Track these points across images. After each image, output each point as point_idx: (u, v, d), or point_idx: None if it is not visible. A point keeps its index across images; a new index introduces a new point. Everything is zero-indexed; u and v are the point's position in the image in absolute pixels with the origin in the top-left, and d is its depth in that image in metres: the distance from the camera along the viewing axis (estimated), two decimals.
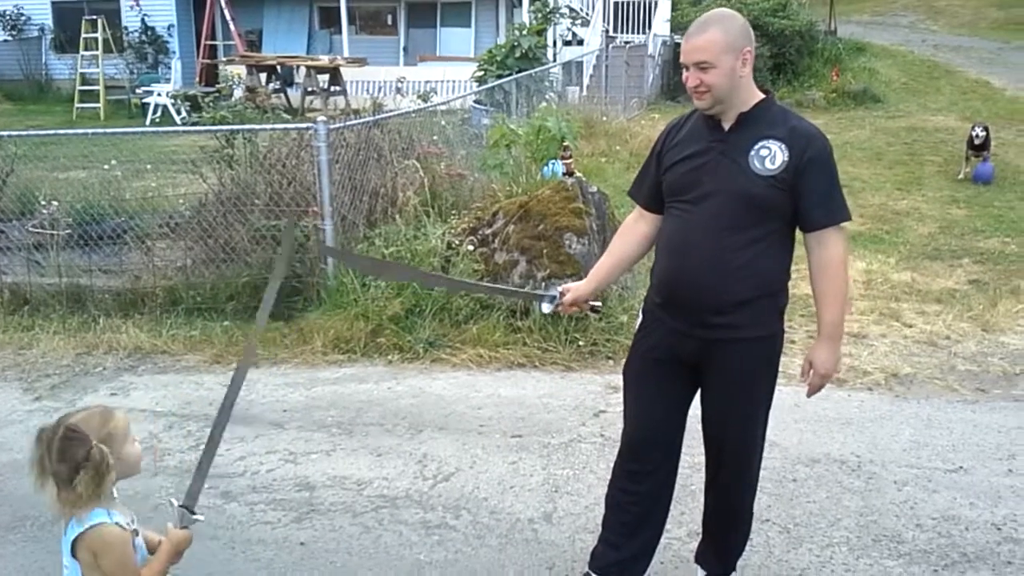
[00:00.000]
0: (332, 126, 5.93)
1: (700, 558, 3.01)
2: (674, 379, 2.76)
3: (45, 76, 18.19)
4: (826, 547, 3.25)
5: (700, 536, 3.04)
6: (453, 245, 5.71)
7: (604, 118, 11.80)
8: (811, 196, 2.54)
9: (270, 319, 5.65)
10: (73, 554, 2.00)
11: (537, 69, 11.90)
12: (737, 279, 2.55)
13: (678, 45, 19.76)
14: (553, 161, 7.08)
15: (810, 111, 14.46)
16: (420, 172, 6.46)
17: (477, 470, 3.86)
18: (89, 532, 1.97)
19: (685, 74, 2.58)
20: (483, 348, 5.16)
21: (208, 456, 2.24)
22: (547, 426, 4.27)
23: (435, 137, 7.68)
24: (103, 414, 2.05)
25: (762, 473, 3.65)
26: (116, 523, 2.01)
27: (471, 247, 5.64)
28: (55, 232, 6.42)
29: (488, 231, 5.73)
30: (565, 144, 6.63)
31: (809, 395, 2.75)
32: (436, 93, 11.16)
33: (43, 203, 6.66)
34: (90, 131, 8.55)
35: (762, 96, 2.61)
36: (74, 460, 1.94)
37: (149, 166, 7.52)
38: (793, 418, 4.26)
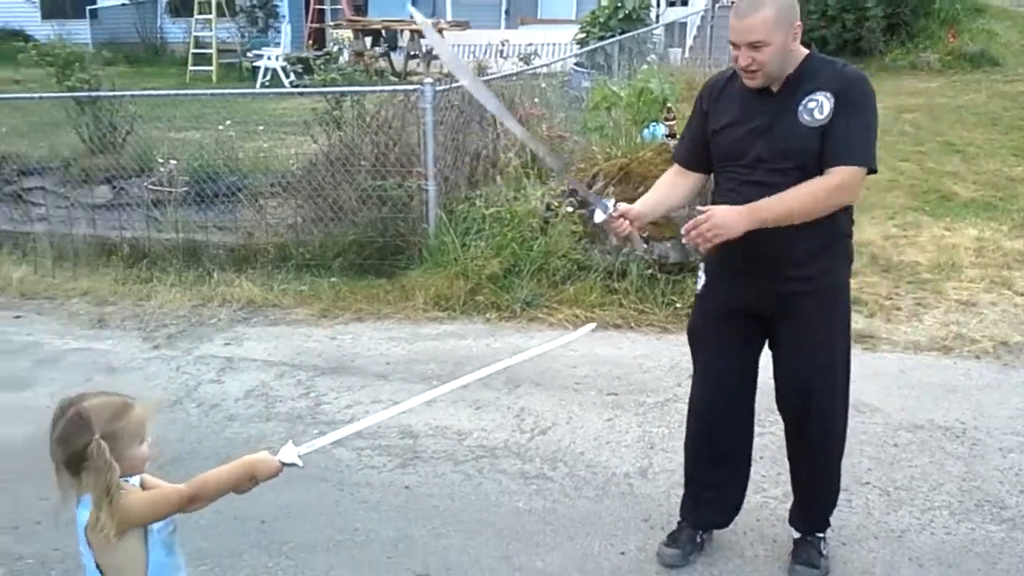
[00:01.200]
0: (438, 88, 6.03)
1: (793, 519, 3.02)
2: (743, 334, 2.79)
3: (160, 39, 18.92)
4: (927, 510, 3.21)
5: (791, 507, 3.04)
6: (552, 206, 5.75)
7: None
8: (832, 135, 2.50)
9: (372, 276, 5.86)
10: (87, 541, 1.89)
11: (640, 30, 11.72)
12: (806, 232, 2.54)
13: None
14: (654, 123, 7.02)
15: (925, 74, 13.84)
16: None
17: (573, 425, 3.94)
18: (88, 529, 1.86)
19: (735, 52, 2.54)
20: (579, 308, 5.22)
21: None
22: (642, 385, 4.31)
23: (536, 99, 7.70)
24: (120, 407, 1.86)
25: (862, 437, 3.66)
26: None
27: (570, 208, 5.68)
28: (172, 190, 6.76)
29: (593, 190, 5.75)
30: (668, 106, 6.57)
31: (684, 232, 2.56)
32: (537, 56, 11.12)
33: (161, 161, 7.01)
34: (205, 92, 8.92)
35: (805, 53, 2.59)
36: (72, 447, 1.80)
37: (261, 127, 7.80)
38: (897, 384, 4.18)
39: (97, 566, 1.89)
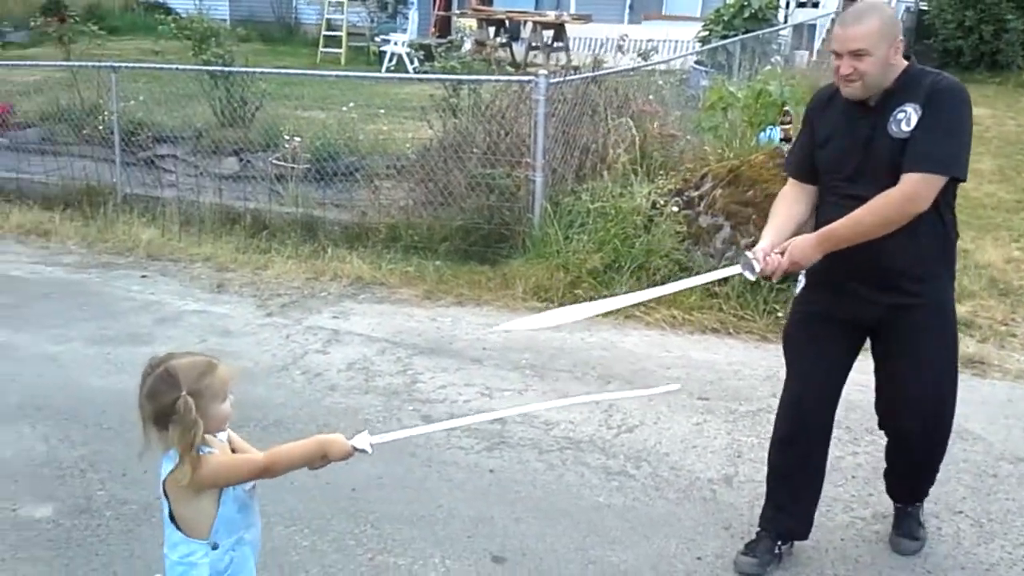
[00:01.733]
0: (552, 80, 6.09)
1: (891, 492, 3.13)
2: (839, 342, 2.82)
3: (294, 20, 19.61)
4: (1019, 546, 3.09)
5: (886, 479, 3.14)
6: (658, 205, 5.74)
7: None
8: (911, 144, 2.54)
9: (476, 262, 5.99)
10: (165, 492, 2.01)
11: (765, 30, 11.48)
12: (907, 241, 2.57)
13: (923, 12, 18.26)
14: (771, 127, 6.89)
15: None
16: (633, 130, 6.50)
17: (661, 426, 3.95)
18: (169, 478, 1.97)
19: (836, 61, 2.61)
20: (677, 310, 5.20)
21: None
22: (736, 392, 4.27)
23: (651, 96, 7.68)
24: (205, 366, 1.97)
25: (961, 465, 3.56)
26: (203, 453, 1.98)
27: (675, 208, 5.65)
28: (295, 166, 7.06)
29: (695, 193, 5.71)
30: (785, 109, 6.43)
31: (765, 271, 2.68)
32: (657, 52, 11.03)
33: (287, 138, 7.32)
34: (332, 74, 9.23)
35: (904, 66, 2.62)
36: (160, 403, 1.91)
37: (382, 111, 8.04)
38: (1003, 413, 4.02)
39: (171, 516, 2.02)
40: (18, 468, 3.53)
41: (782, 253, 2.67)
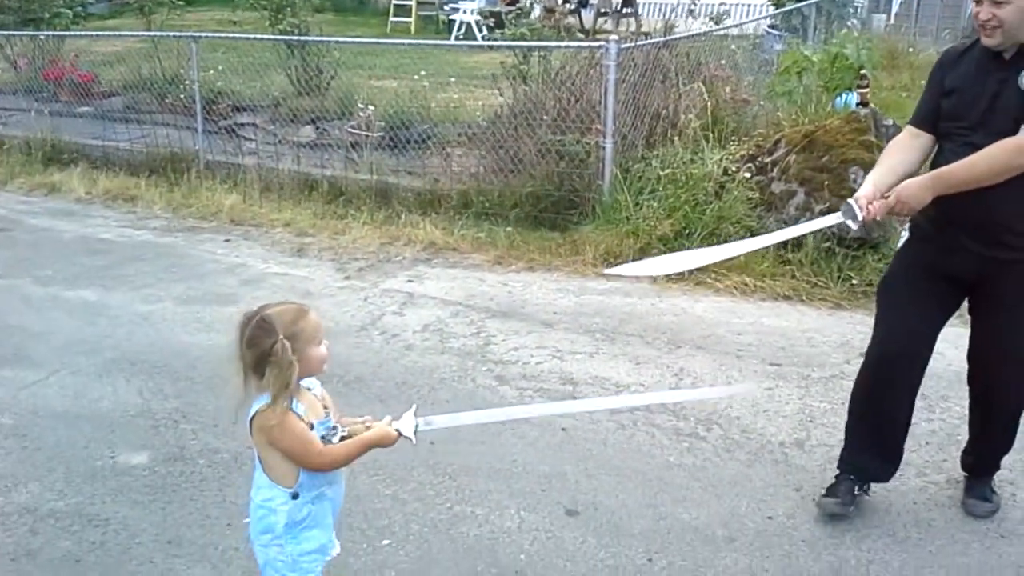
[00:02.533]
0: (623, 46, 6.08)
1: (965, 465, 3.16)
2: (937, 295, 2.84)
3: None
4: None
5: (964, 449, 3.18)
6: (730, 171, 5.71)
7: (911, 49, 10.90)
8: None
9: (546, 228, 6.05)
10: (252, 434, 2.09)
11: None
12: (1012, 201, 2.60)
13: None
14: (847, 92, 6.77)
15: None
16: (704, 95, 6.46)
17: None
18: (256, 415, 2.06)
19: (976, 8, 2.60)
20: (749, 276, 5.19)
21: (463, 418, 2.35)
22: (808, 359, 4.27)
23: (723, 61, 7.59)
24: (297, 312, 2.08)
25: None
26: (294, 410, 2.06)
27: (748, 174, 5.62)
28: (369, 134, 7.20)
29: (767, 159, 5.66)
30: (862, 73, 6.31)
31: (872, 213, 2.69)
32: (729, 16, 10.85)
33: (361, 107, 7.46)
34: (404, 42, 9.33)
35: None
36: (259, 348, 2.00)
37: (452, 79, 8.11)
38: None
39: (260, 459, 2.12)
40: (115, 419, 3.75)
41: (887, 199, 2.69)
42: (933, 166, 2.82)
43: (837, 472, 3.10)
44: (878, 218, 2.78)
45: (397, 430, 2.15)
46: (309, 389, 2.15)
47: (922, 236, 2.87)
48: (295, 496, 2.11)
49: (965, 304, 2.94)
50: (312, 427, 2.08)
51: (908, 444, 3.39)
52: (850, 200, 2.75)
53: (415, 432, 2.19)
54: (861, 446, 3.03)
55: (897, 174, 2.78)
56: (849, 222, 2.75)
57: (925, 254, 2.86)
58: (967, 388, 3.10)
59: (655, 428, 3.66)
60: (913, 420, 3.64)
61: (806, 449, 3.51)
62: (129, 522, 3.04)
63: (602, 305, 4.97)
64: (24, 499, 3.17)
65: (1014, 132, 2.57)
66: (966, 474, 3.17)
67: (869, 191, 2.73)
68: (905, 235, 2.95)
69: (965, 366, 3.06)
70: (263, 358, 2.01)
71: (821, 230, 3.52)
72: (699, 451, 3.50)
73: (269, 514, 2.12)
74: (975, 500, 3.08)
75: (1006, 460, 3.17)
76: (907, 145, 2.89)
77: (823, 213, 5.14)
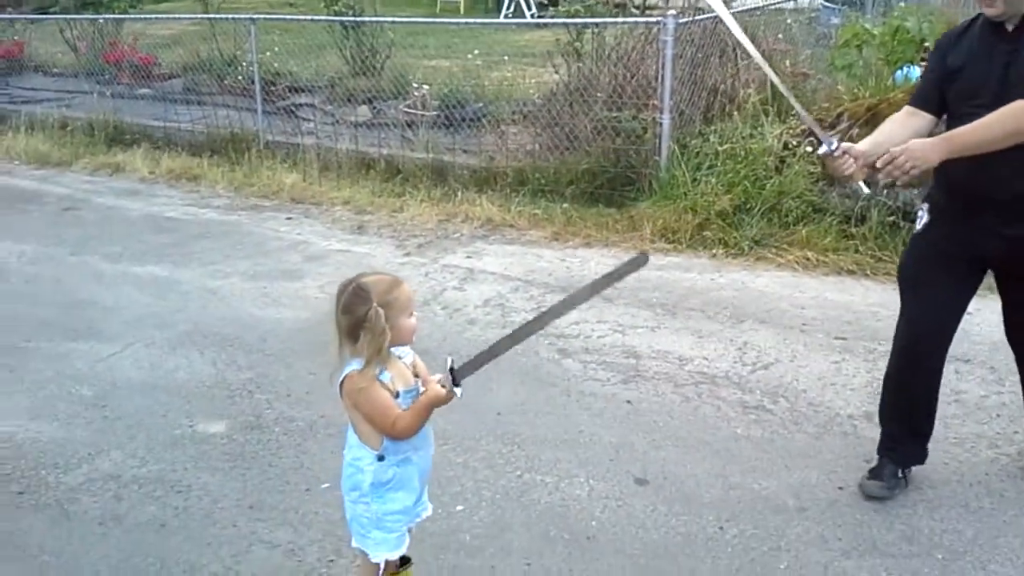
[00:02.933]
0: (680, 21, 6.03)
1: None
2: (961, 276, 2.82)
3: None
4: None
5: None
6: (790, 146, 5.65)
7: None
8: None
9: (603, 205, 6.05)
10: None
11: None
12: None
13: None
14: (909, 65, 6.62)
15: None
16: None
17: (797, 364, 3.97)
18: (346, 378, 2.12)
19: None
20: (811, 251, 5.15)
21: (499, 347, 2.12)
22: (874, 333, 4.23)
23: (780, 35, 7.49)
24: (392, 282, 2.14)
25: None
26: (380, 379, 2.10)
27: (809, 149, 5.55)
28: (424, 113, 7.26)
29: (830, 133, 5.58)
30: (925, 45, 6.17)
31: (879, 165, 2.62)
32: None
33: (415, 86, 7.52)
34: (457, 21, 9.37)
35: None
36: (354, 315, 2.07)
37: (506, 57, 8.12)
38: None
39: (351, 420, 2.18)
40: (191, 389, 3.86)
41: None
42: None
43: (878, 456, 3.07)
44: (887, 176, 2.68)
45: (442, 384, 2.14)
46: (400, 358, 2.20)
47: (941, 214, 2.83)
48: (381, 458, 2.17)
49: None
50: (398, 395, 2.13)
51: (979, 417, 3.40)
52: (832, 138, 2.75)
53: (453, 379, 2.11)
54: (900, 430, 3.03)
55: (890, 145, 2.71)
56: (823, 145, 2.73)
57: (943, 234, 2.82)
58: None
59: (720, 401, 3.67)
60: (983, 393, 3.64)
61: (875, 422, 3.43)
62: (211, 488, 3.14)
63: (661, 280, 4.97)
64: (108, 467, 3.29)
65: None
66: None
67: (859, 147, 2.73)
68: (923, 216, 2.90)
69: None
70: (358, 324, 2.07)
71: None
72: (766, 423, 3.50)
73: (357, 472, 2.19)
74: None
75: None
76: (900, 122, 2.86)
77: (866, 185, 5.09)
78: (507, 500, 3.04)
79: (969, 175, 2.66)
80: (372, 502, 2.20)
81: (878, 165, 2.64)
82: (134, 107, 8.77)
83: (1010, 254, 2.73)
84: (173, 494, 3.12)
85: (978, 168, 2.61)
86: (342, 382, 2.13)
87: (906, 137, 2.82)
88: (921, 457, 3.07)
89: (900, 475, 3.03)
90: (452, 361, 2.13)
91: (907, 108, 2.90)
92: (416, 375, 2.23)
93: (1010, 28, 2.62)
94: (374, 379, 2.10)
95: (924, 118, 2.84)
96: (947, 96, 2.77)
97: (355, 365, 2.11)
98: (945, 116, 2.82)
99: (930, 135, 2.80)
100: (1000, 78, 2.61)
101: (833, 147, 2.72)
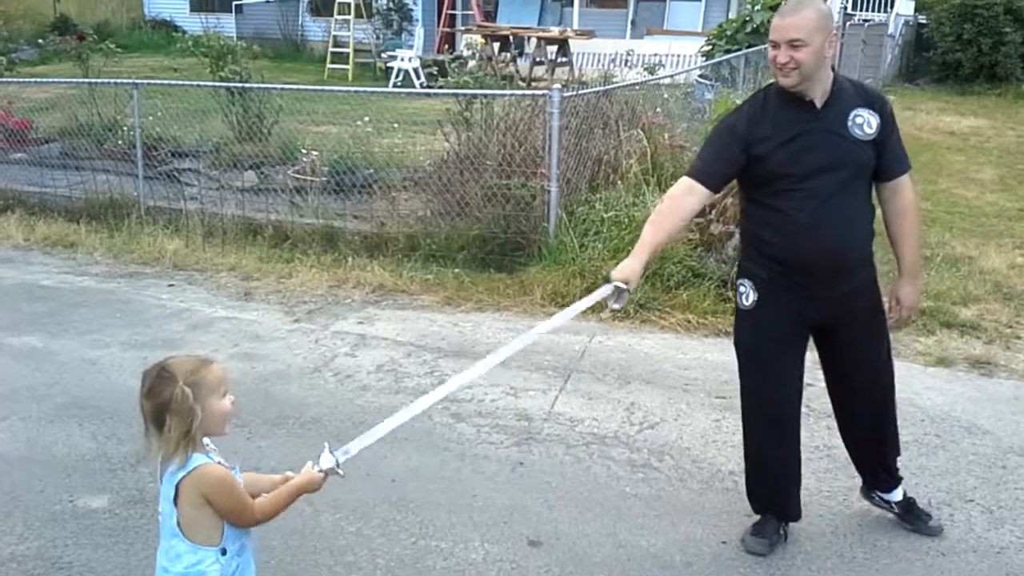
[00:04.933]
0: (565, 94, 6.29)
1: (871, 486, 3.30)
2: (798, 343, 3.00)
3: (300, 37, 19.88)
4: None
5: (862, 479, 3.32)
6: None
7: None
8: (892, 149, 2.88)
9: (494, 270, 6.16)
10: (175, 500, 2.01)
11: (767, 45, 11.69)
12: (863, 238, 2.87)
13: (922, 25, 18.43)
14: None
15: None
16: (643, 142, 6.70)
17: (681, 422, 4.12)
18: (194, 472, 1.98)
19: (772, 52, 2.81)
20: (692, 314, 5.37)
21: (373, 435, 2.28)
22: None
23: (659, 109, 7.89)
24: (200, 363, 2.04)
25: (971, 458, 3.74)
26: (209, 458, 2.03)
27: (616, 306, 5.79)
28: (313, 178, 7.25)
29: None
30: None
31: (898, 328, 3.06)
32: (663, 66, 11.27)
33: (304, 152, 7.52)
34: (347, 89, 9.44)
35: (831, 73, 2.86)
36: (159, 398, 1.96)
37: (396, 125, 8.23)
38: (1011, 410, 4.18)
39: (179, 525, 2.02)
40: (71, 463, 3.69)
41: (893, 303, 3.05)
42: (750, 219, 2.99)
43: (759, 514, 3.19)
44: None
45: (320, 470, 2.13)
46: (207, 454, 2.06)
47: (773, 293, 2.92)
48: (224, 552, 2.06)
49: None
50: None
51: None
52: (620, 284, 2.79)
53: (338, 465, 2.15)
54: (777, 492, 3.15)
55: (662, 246, 2.91)
56: (612, 303, 2.83)
57: (779, 308, 2.91)
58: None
59: (610, 460, 3.77)
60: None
61: None
62: (93, 564, 3.00)
63: (552, 343, 5.08)
64: None
65: (853, 175, 2.80)
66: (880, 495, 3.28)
67: (638, 267, 2.80)
68: (748, 292, 2.97)
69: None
70: (162, 408, 1.97)
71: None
72: (653, 481, 3.61)
73: None
74: (914, 518, 3.25)
75: (941, 484, 3.36)
76: (679, 209, 2.90)
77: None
78: (402, 568, 3.02)
79: (809, 251, 2.80)
80: None
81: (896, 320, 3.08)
82: (8, 172, 8.41)
83: (843, 316, 2.94)
84: (54, 571, 2.98)
85: (815, 242, 2.78)
86: (183, 479, 1.99)
87: (681, 227, 3.10)
88: (799, 513, 3.19)
89: (781, 531, 3.16)
90: (329, 447, 2.15)
91: (684, 185, 2.90)
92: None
93: (818, 104, 2.80)
94: (233, 478, 2.02)
95: (702, 194, 2.88)
96: (747, 176, 2.88)
97: (202, 459, 2.01)
98: (733, 190, 3.00)
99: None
100: (828, 152, 2.79)
101: (625, 300, 2.86)
